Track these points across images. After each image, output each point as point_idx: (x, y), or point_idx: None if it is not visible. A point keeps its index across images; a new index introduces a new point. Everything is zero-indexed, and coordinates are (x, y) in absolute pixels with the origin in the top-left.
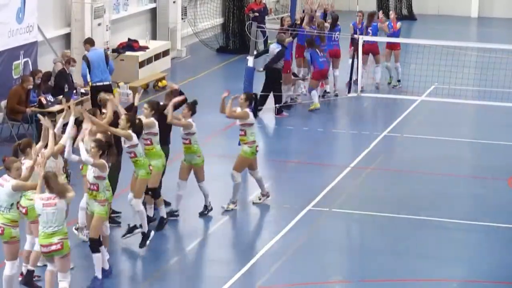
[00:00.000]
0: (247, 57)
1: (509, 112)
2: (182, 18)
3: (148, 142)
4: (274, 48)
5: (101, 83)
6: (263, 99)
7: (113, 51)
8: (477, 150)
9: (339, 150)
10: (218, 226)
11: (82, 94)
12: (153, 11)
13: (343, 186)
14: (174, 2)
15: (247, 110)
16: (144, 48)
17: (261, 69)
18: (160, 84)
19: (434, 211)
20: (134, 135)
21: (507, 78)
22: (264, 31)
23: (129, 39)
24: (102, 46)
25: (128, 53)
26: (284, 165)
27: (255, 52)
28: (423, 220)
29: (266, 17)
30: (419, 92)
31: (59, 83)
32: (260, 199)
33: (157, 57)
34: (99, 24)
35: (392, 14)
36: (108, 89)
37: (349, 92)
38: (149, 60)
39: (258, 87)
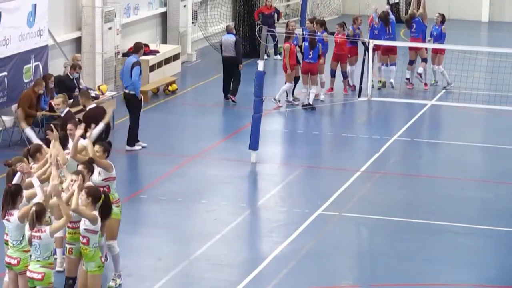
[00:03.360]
0: (257, 61)
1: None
2: (192, 22)
3: (106, 189)
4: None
5: (126, 90)
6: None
7: (124, 55)
8: (486, 155)
9: (349, 154)
10: (228, 230)
11: (93, 98)
12: (164, 15)
13: (353, 190)
14: (184, 6)
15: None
16: (154, 52)
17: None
18: (170, 88)
19: (444, 216)
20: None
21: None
22: (274, 35)
23: (144, 44)
24: (112, 50)
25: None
26: (294, 169)
27: (265, 57)
28: (433, 225)
29: (277, 22)
30: (429, 96)
31: (58, 87)
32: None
33: (167, 61)
34: (109, 28)
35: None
36: (130, 97)
37: (359, 96)
38: (159, 64)
39: (268, 91)
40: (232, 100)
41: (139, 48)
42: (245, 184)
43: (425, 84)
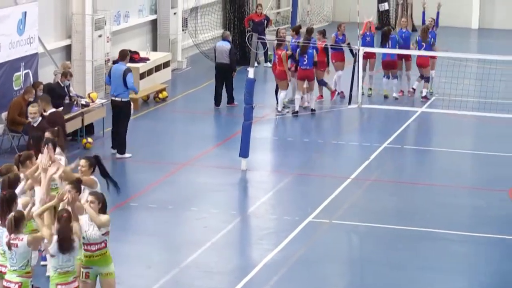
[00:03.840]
0: (248, 69)
1: (509, 123)
2: (182, 30)
3: (104, 244)
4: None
5: (117, 98)
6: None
7: (114, 62)
8: (477, 162)
9: (339, 161)
10: (218, 238)
11: (83, 106)
12: (154, 23)
13: (343, 198)
14: (174, 13)
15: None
16: (144, 60)
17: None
18: (160, 95)
19: (435, 223)
20: None
21: (508, 89)
22: (264, 43)
23: (129, 51)
24: (102, 57)
25: (128, 64)
26: (284, 177)
27: (255, 64)
28: (424, 232)
29: (267, 29)
30: (419, 103)
31: (49, 95)
32: None
33: (157, 68)
34: (99, 36)
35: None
36: (121, 105)
37: (349, 103)
38: (149, 72)
39: (258, 99)
40: (232, 106)
41: (125, 55)
42: (236, 192)
43: (410, 90)
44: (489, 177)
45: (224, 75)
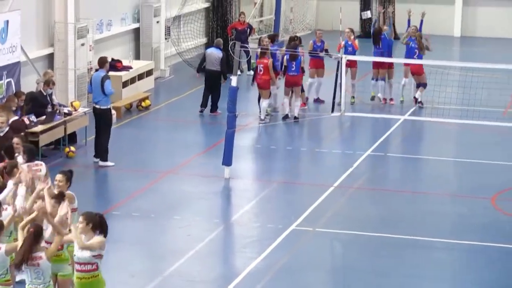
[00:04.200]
0: (231, 77)
1: (492, 131)
2: (165, 38)
3: (95, 266)
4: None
5: (97, 106)
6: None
7: (96, 71)
8: (460, 169)
9: (322, 169)
10: (201, 246)
11: (66, 115)
12: (137, 31)
13: (327, 206)
14: (157, 22)
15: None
16: (127, 68)
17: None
18: (143, 104)
19: (418, 230)
20: None
21: (490, 97)
22: (247, 51)
23: (112, 59)
24: (85, 66)
25: (111, 73)
26: (268, 185)
27: (238, 72)
28: (407, 239)
29: (250, 37)
30: (402, 111)
31: (31, 104)
32: None
33: (140, 77)
34: (82, 44)
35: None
36: (102, 112)
37: (332, 111)
38: (132, 80)
39: (241, 107)
40: (215, 114)
41: (103, 62)
42: (219, 200)
43: (391, 99)
44: (473, 184)
45: (213, 82)
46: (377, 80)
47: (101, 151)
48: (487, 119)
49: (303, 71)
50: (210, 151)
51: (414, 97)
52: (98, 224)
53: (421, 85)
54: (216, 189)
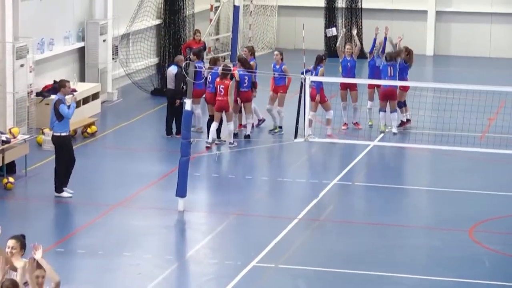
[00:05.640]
0: (185, 100)
1: (468, 157)
2: (113, 58)
3: None
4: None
5: (53, 133)
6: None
7: (37, 94)
8: (435, 199)
9: (285, 200)
10: (154, 285)
11: (4, 142)
12: (81, 51)
13: (290, 240)
14: (104, 40)
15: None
16: (71, 91)
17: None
18: (89, 130)
19: (390, 266)
20: None
21: (466, 121)
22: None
23: (54, 81)
24: (25, 89)
25: (53, 96)
26: (226, 217)
27: None
28: (378, 276)
29: (205, 56)
30: (371, 136)
31: None
32: None
33: (85, 100)
34: (21, 65)
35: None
36: (57, 139)
37: (295, 137)
38: (77, 104)
39: (196, 132)
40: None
41: (60, 86)
42: (172, 235)
43: (356, 123)
44: (448, 215)
45: (171, 102)
46: (384, 111)
47: (56, 181)
48: (463, 145)
49: (254, 86)
50: (163, 181)
51: (407, 120)
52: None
53: (394, 110)
54: (169, 222)
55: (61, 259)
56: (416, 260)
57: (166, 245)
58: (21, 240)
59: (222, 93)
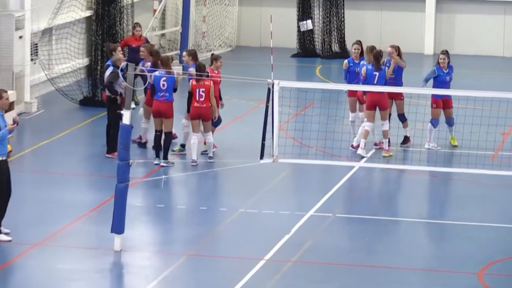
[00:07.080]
0: (122, 112)
1: (477, 182)
2: (31, 59)
3: None
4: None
5: None
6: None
7: None
8: (436, 234)
9: (249, 237)
10: None
11: None
12: None
13: (255, 286)
14: (20, 37)
15: None
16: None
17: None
18: None
19: None
20: None
21: (474, 136)
22: (145, 76)
23: None
24: None
25: None
26: (175, 259)
27: (133, 105)
28: None
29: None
30: (356, 156)
31: None
32: None
33: None
34: None
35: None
36: None
37: (261, 157)
38: None
39: (136, 152)
40: (111, 156)
41: None
42: (106, 281)
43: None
44: (453, 255)
45: (108, 109)
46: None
47: None
48: (471, 166)
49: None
50: (95, 214)
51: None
52: None
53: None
54: (103, 265)
55: None
56: None
57: None
58: None
59: (203, 98)
